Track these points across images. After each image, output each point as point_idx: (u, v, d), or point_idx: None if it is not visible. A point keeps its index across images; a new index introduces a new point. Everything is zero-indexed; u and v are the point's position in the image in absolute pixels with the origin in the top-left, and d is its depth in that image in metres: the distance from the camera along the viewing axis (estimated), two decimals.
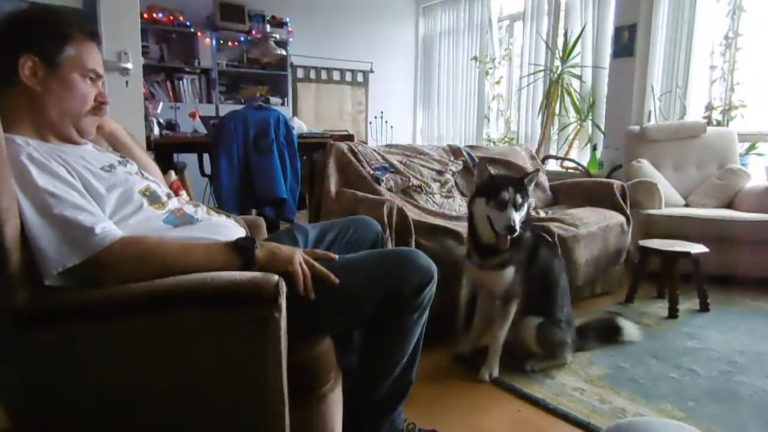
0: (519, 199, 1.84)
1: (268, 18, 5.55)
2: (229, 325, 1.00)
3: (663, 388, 1.90)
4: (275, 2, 5.63)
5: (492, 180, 1.92)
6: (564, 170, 4.76)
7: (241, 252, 1.13)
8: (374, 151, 2.88)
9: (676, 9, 4.08)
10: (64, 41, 1.13)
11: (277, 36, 5.31)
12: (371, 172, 2.71)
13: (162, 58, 5.12)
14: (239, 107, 3.80)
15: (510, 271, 1.95)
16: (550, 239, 2.34)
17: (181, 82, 5.19)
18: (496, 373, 1.98)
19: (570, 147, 5.00)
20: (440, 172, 2.99)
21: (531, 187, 1.96)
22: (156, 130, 3.44)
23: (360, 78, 6.35)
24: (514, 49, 5.86)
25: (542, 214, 2.92)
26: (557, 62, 4.91)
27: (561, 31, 5.05)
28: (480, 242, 1.97)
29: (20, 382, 1.04)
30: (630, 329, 2.28)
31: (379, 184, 2.66)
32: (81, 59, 1.15)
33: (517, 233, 1.81)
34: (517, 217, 1.82)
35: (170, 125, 3.88)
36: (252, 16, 5.45)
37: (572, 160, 4.70)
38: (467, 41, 6.20)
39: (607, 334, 2.26)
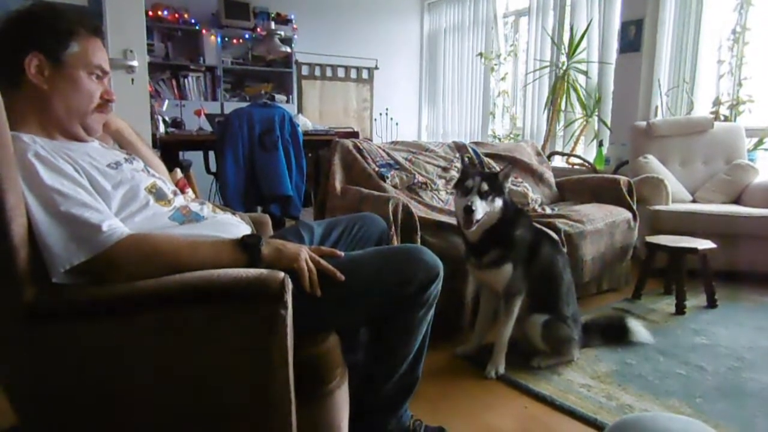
0: (485, 188, 1.85)
1: (272, 15, 5.55)
2: (235, 322, 1.00)
3: (670, 384, 1.90)
4: None
5: (464, 172, 1.97)
6: (570, 166, 4.75)
7: (247, 249, 1.13)
8: (379, 148, 2.88)
9: (683, 3, 4.05)
10: (68, 38, 1.13)
11: (282, 33, 5.30)
12: (376, 169, 2.70)
13: (167, 56, 5.14)
14: (244, 105, 3.81)
15: (508, 268, 1.94)
16: (553, 236, 2.33)
17: (186, 80, 5.20)
18: (502, 369, 1.97)
19: (576, 143, 4.97)
20: (445, 169, 2.98)
21: (507, 183, 1.95)
22: (161, 128, 3.44)
23: (365, 75, 6.35)
24: (520, 45, 5.84)
25: (548, 211, 2.91)
26: (563, 58, 4.89)
27: (567, 27, 5.02)
28: (467, 240, 1.99)
29: (28, 379, 1.05)
30: (639, 331, 2.23)
31: (385, 181, 2.65)
32: (86, 56, 1.15)
33: (478, 219, 1.83)
34: (480, 203, 1.83)
35: (176, 123, 3.89)
36: (257, 14, 5.46)
37: (578, 157, 4.68)
38: (472, 37, 6.17)
39: (615, 333, 2.24)
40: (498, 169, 3.11)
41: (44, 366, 1.02)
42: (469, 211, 1.82)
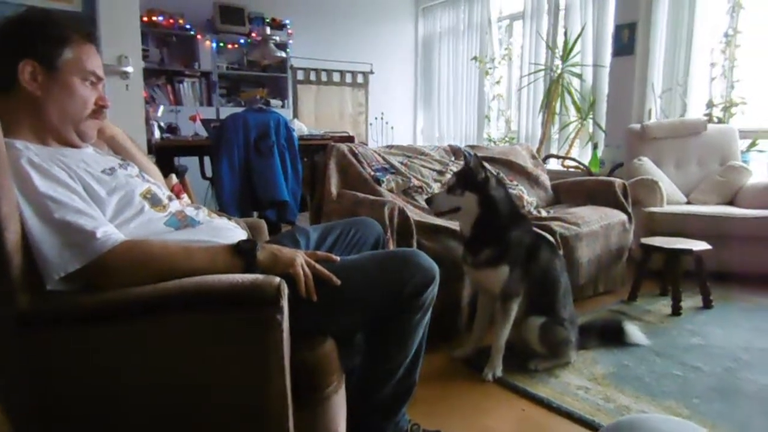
0: (453, 182, 2.01)
1: (267, 20, 5.56)
2: (231, 327, 1.00)
3: (667, 385, 1.90)
4: (275, 4, 5.64)
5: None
6: (565, 169, 4.76)
7: (243, 254, 1.13)
8: (375, 152, 2.88)
9: (676, 7, 4.07)
10: (62, 44, 1.13)
11: (277, 38, 5.32)
12: (372, 173, 2.71)
13: (162, 62, 5.13)
14: (240, 110, 3.81)
15: (504, 270, 1.94)
16: (550, 239, 2.34)
17: (181, 86, 5.20)
18: (499, 372, 1.97)
19: (571, 146, 4.99)
20: (441, 173, 2.98)
21: (481, 175, 1.94)
22: (157, 134, 3.44)
23: (360, 79, 6.35)
24: (514, 49, 5.86)
25: (544, 214, 2.91)
26: (557, 61, 4.91)
27: (561, 31, 5.05)
28: (462, 236, 2.04)
29: (23, 386, 1.04)
30: (635, 333, 2.25)
31: (380, 185, 2.65)
32: (80, 62, 1.15)
33: (440, 210, 2.02)
34: (444, 196, 2.02)
35: (171, 128, 3.89)
36: (252, 19, 5.46)
37: (573, 159, 4.69)
38: (467, 41, 6.20)
39: (612, 335, 2.25)
40: (494, 172, 3.14)
41: (39, 373, 1.02)
42: (427, 202, 2.11)
